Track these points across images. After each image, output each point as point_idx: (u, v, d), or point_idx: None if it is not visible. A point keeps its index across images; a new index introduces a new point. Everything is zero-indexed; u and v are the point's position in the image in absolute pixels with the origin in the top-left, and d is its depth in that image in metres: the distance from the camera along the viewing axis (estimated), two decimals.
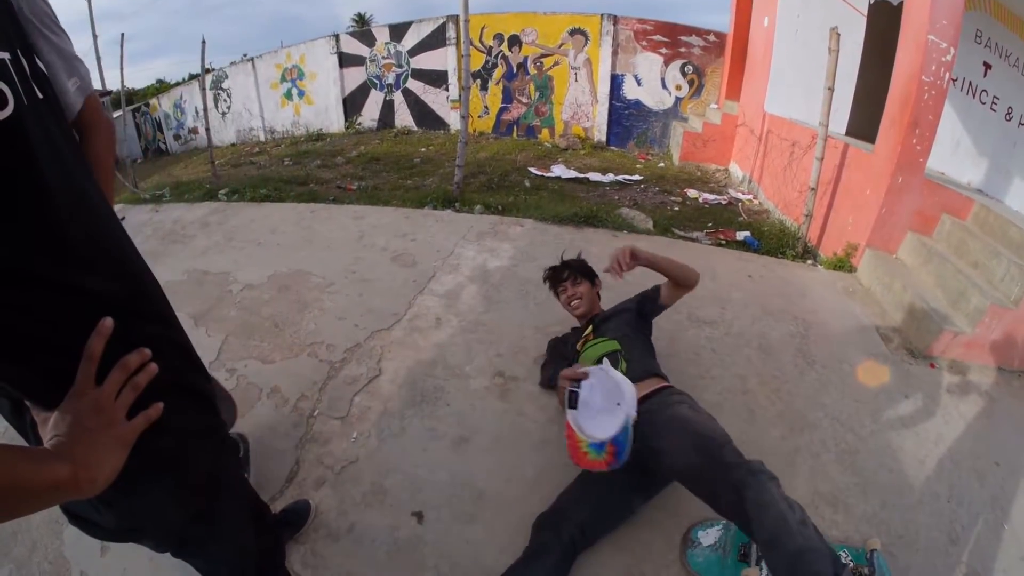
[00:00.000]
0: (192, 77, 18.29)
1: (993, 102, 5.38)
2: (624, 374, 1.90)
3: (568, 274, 2.54)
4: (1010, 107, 5.49)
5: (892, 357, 3.24)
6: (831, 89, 4.28)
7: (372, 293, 3.23)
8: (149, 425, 0.78)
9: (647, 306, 2.41)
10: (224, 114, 12.39)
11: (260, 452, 2.17)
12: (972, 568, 2.05)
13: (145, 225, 4.62)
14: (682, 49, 8.82)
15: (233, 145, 11.80)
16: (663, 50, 8.83)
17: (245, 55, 13.71)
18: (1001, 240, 3.73)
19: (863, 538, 1.99)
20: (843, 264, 4.29)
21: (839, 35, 4.22)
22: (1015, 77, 5.32)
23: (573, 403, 1.77)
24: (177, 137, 13.86)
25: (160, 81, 32.55)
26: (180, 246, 4.07)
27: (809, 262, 4.51)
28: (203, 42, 7.15)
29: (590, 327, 2.35)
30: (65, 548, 2.15)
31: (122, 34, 8.15)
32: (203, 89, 7.50)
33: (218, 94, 12.28)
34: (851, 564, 1.85)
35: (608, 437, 1.64)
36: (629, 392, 1.72)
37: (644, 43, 8.81)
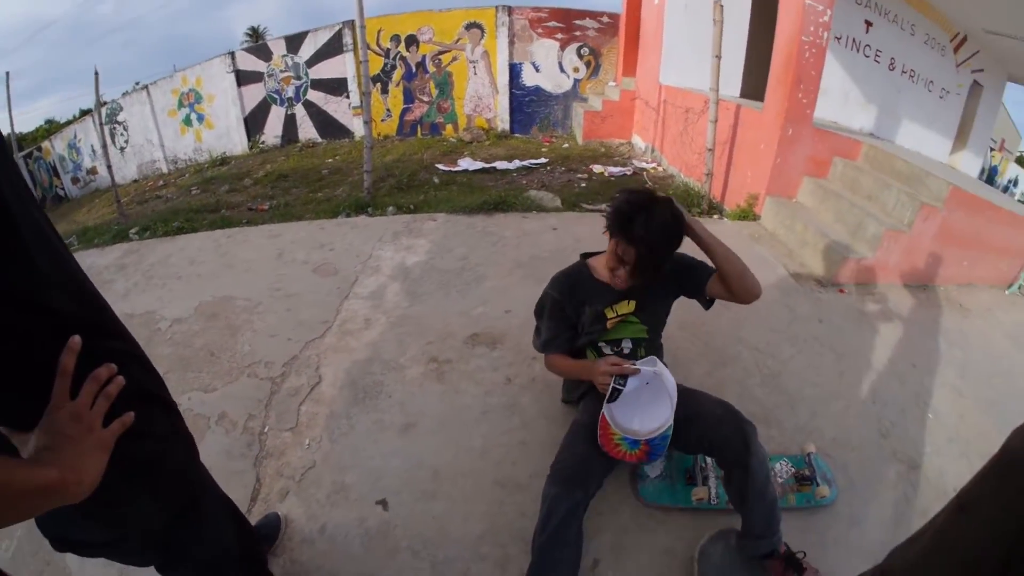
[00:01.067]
0: (84, 113, 16.97)
1: (876, 55, 5.92)
2: (639, 356, 1.91)
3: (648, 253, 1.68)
4: (892, 58, 6.08)
5: (802, 289, 3.50)
6: (718, 57, 4.53)
7: (300, 306, 3.26)
8: (124, 430, 0.85)
9: (688, 287, 1.93)
10: (123, 149, 11.62)
11: (220, 478, 2.19)
12: (905, 454, 2.30)
13: None
14: (577, 32, 9.07)
15: (136, 181, 11.14)
16: (559, 35, 9.04)
17: (138, 83, 12.87)
18: (890, 173, 4.08)
19: (799, 446, 2.19)
20: (747, 214, 4.58)
21: (722, 6, 4.45)
22: (894, 31, 5.90)
23: (614, 397, 1.69)
24: (75, 180, 12.89)
25: (50, 121, 29.99)
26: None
27: (716, 216, 4.80)
28: (96, 73, 6.66)
29: (632, 302, 1.91)
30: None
31: (7, 72, 7.39)
32: (99, 125, 7.07)
33: (114, 128, 11.48)
34: (793, 469, 2.05)
35: (645, 438, 1.64)
36: (674, 399, 1.68)
37: (540, 30, 8.99)
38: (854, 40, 5.63)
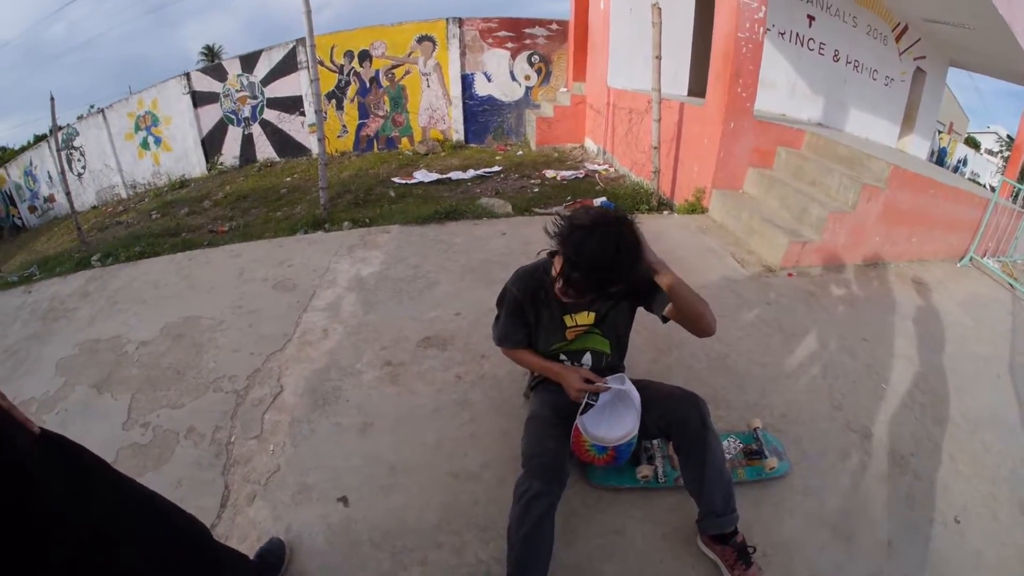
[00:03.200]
0: (39, 139, 16.43)
1: (820, 47, 6.15)
2: (602, 371, 1.96)
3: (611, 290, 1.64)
4: (836, 50, 6.34)
5: (750, 275, 3.60)
6: (658, 58, 4.65)
7: (261, 321, 3.33)
8: None
9: (646, 303, 1.88)
10: (80, 175, 11.32)
11: (191, 488, 2.28)
12: (859, 423, 2.41)
13: (20, 309, 4.36)
14: (527, 41, 9.21)
15: (95, 207, 10.90)
16: (509, 44, 9.17)
17: (93, 106, 12.52)
18: (832, 158, 4.21)
19: (747, 423, 2.27)
20: (695, 208, 4.70)
21: (660, 9, 4.56)
22: (837, 24, 6.15)
23: (586, 410, 1.80)
24: (33, 209, 12.56)
25: (3, 148, 28.89)
26: (64, 321, 3.93)
27: (665, 212, 4.94)
28: (52, 99, 6.51)
29: (592, 314, 1.91)
30: None
31: None
32: (56, 151, 6.96)
33: (71, 154, 11.21)
34: (741, 445, 2.12)
35: (612, 445, 1.77)
36: (638, 412, 1.79)
37: (490, 40, 9.09)
38: (797, 35, 5.85)
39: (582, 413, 1.81)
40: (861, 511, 2.02)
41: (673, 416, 1.78)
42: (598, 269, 1.52)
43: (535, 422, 1.91)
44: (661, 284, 1.67)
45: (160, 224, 6.69)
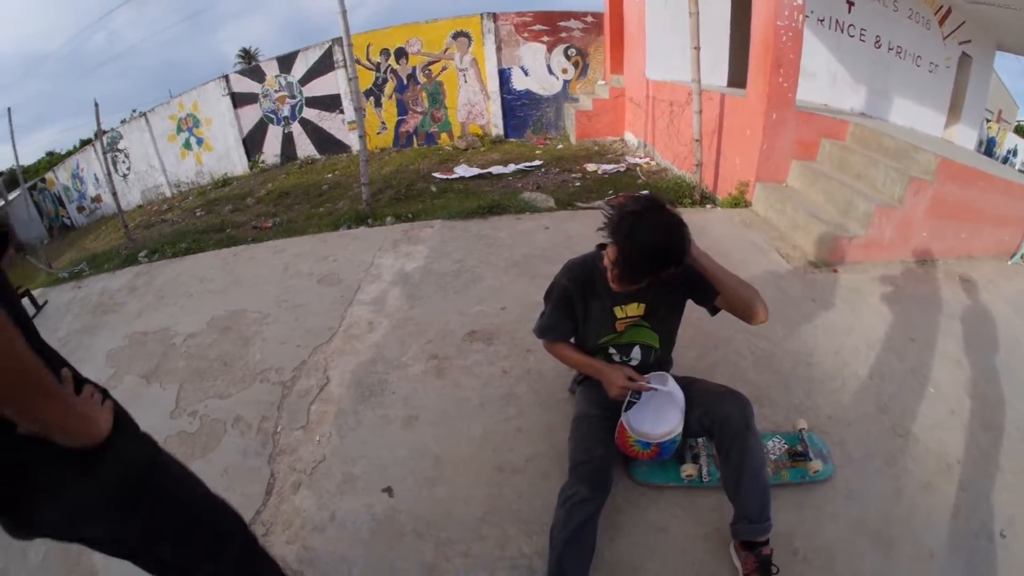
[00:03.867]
0: (85, 143, 17.35)
1: (861, 34, 5.96)
2: (649, 367, 2.01)
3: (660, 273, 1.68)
4: (877, 36, 6.11)
5: (795, 271, 3.56)
6: (697, 48, 4.61)
7: (306, 315, 3.42)
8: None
9: (696, 296, 1.92)
10: (125, 176, 11.92)
11: (237, 476, 2.37)
12: (904, 428, 2.35)
13: (71, 303, 4.61)
14: (563, 34, 9.22)
15: (140, 206, 11.41)
16: (545, 38, 9.19)
17: (135, 111, 13.21)
18: (878, 150, 4.10)
19: (792, 424, 2.25)
20: (739, 201, 4.65)
21: None
22: (877, 9, 5.93)
23: (629, 407, 1.86)
24: (81, 209, 13.23)
25: (51, 153, 30.59)
26: (113, 315, 4.13)
27: (708, 206, 4.88)
28: (96, 105, 6.93)
29: (642, 305, 1.92)
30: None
31: (8, 108, 7.70)
32: (103, 154, 7.38)
33: (116, 156, 11.79)
34: (786, 446, 2.10)
35: (656, 441, 1.81)
36: (682, 410, 1.83)
37: (526, 34, 9.15)
38: (837, 21, 5.68)
39: (626, 410, 1.85)
40: (904, 519, 1.97)
41: (716, 414, 1.78)
42: (653, 252, 1.59)
43: (582, 423, 1.95)
44: (701, 269, 1.72)
45: (204, 221, 6.96)
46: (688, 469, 1.98)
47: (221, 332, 3.43)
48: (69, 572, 2.35)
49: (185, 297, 4.10)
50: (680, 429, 1.82)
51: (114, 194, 6.98)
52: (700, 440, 2.08)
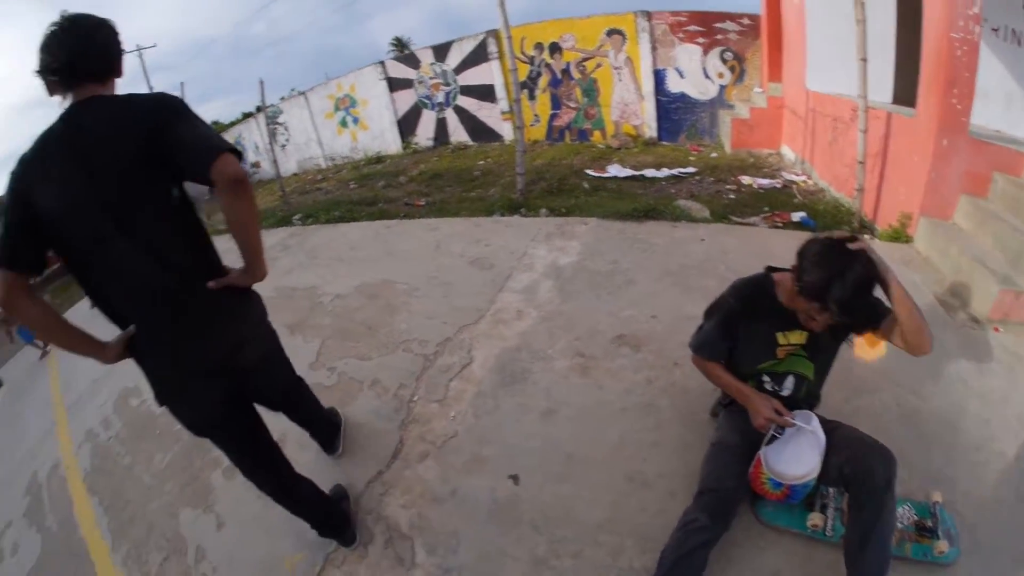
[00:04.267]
0: (247, 115, 19.41)
1: None
2: (799, 400, 1.96)
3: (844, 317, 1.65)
4: None
5: (953, 322, 3.21)
6: (864, 60, 4.25)
7: (455, 294, 3.51)
8: None
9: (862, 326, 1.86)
10: (284, 146, 13.15)
11: (366, 434, 2.50)
12: None
13: (229, 251, 5.10)
14: (719, 36, 8.75)
15: (295, 174, 12.54)
16: (700, 39, 8.78)
17: (293, 89, 14.55)
18: None
19: (926, 493, 2.02)
20: (899, 235, 4.24)
21: (863, 3, 4.17)
22: None
23: (771, 442, 1.84)
24: None
25: (215, 122, 34.49)
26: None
27: (867, 236, 4.51)
28: (261, 83, 7.80)
29: (804, 334, 1.87)
30: (181, 527, 2.51)
31: (181, 83, 8.91)
32: (268, 126, 8.14)
33: (275, 128, 13.00)
34: (915, 517, 1.91)
35: (790, 483, 1.77)
36: (822, 453, 1.77)
37: (680, 35, 8.80)
38: (1013, 31, 4.89)
39: (767, 444, 1.82)
40: None
41: (859, 465, 1.69)
42: (863, 304, 1.64)
43: (720, 451, 1.91)
44: (890, 293, 1.66)
45: (358, 194, 7.43)
46: (815, 519, 1.85)
47: (368, 298, 3.61)
48: (185, 484, 2.65)
49: (335, 261, 4.38)
50: (816, 474, 1.75)
51: (274, 161, 7.64)
52: (831, 490, 1.93)
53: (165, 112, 1.44)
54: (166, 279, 1.50)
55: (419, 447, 2.38)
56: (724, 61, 8.93)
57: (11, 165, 1.43)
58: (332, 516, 2.03)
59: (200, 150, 1.42)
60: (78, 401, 5.09)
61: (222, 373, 1.66)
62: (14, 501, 4.08)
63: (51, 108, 1.54)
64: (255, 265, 1.63)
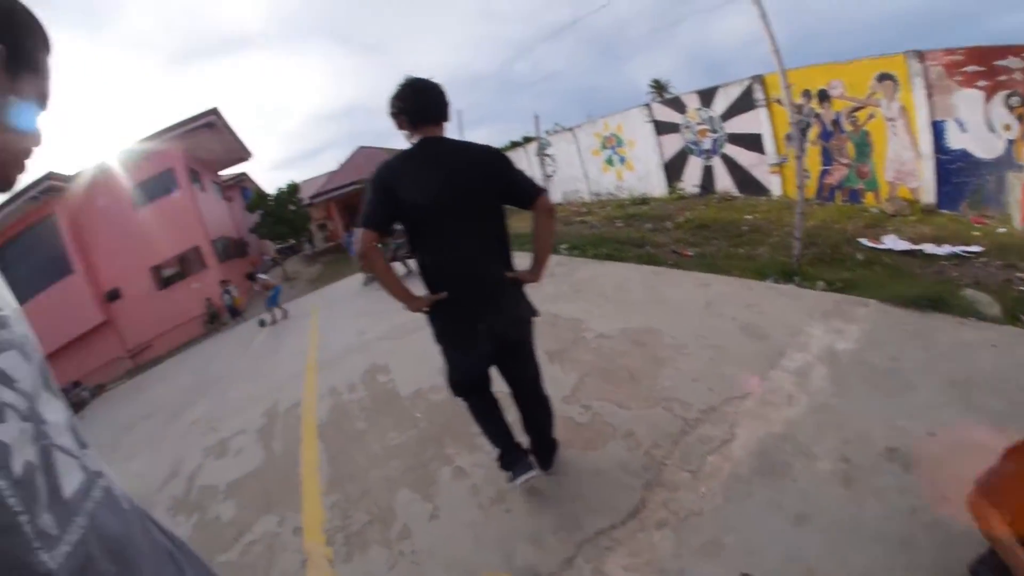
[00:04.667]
0: (514, 144, 21.50)
1: None
2: None
3: None
4: None
5: None
6: None
7: (723, 360, 3.39)
8: None
9: None
10: (550, 176, 14.07)
11: (607, 483, 2.57)
12: None
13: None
14: (1001, 77, 6.68)
15: (560, 204, 13.36)
16: (980, 82, 6.87)
17: (558, 124, 15.63)
18: None
19: None
20: None
21: None
22: None
23: None
24: None
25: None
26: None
27: None
28: (536, 117, 8.58)
29: None
30: (396, 503, 2.77)
31: (459, 111, 10.67)
32: (539, 155, 8.80)
33: (544, 158, 13.89)
34: None
35: None
36: None
37: (958, 78, 7.04)
38: None
39: None
40: None
41: None
42: None
43: None
44: None
45: (625, 233, 7.57)
46: None
47: (634, 344, 3.66)
48: (411, 468, 3.14)
49: (601, 298, 4.52)
50: None
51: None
52: None
53: (501, 162, 2.18)
54: (482, 261, 2.21)
55: (660, 513, 2.36)
56: (1010, 108, 6.72)
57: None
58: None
59: (528, 188, 2.22)
60: (329, 361, 5.97)
61: (492, 337, 2.24)
62: (253, 416, 4.97)
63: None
64: (540, 269, 2.41)
